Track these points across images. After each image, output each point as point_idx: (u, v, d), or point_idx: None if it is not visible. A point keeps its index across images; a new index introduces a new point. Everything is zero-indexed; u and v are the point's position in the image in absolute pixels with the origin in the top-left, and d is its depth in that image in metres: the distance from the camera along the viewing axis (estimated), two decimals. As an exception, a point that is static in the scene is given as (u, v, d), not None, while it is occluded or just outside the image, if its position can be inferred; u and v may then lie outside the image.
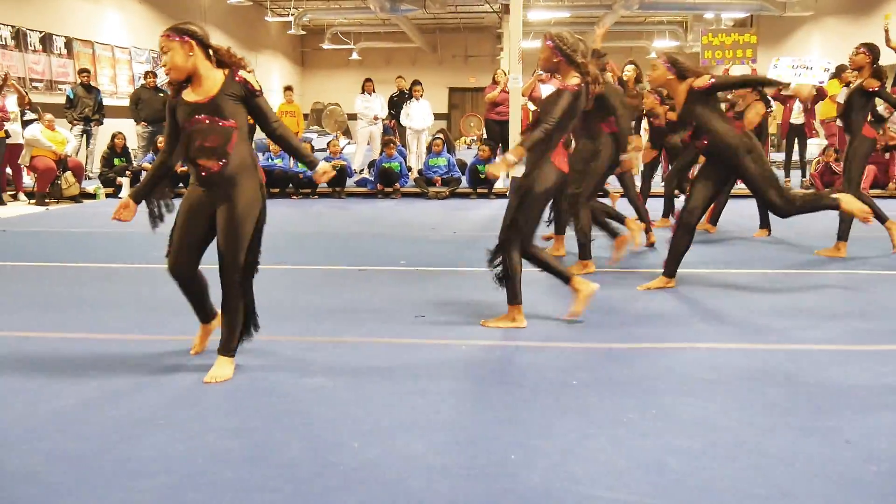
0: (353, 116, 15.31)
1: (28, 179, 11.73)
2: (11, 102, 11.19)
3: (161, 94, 13.37)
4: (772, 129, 12.25)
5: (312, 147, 12.35)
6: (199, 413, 3.20)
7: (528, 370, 3.74)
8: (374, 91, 13.42)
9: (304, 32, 25.53)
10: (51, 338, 4.28)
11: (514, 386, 3.50)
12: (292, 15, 23.63)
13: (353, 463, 2.72)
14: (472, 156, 12.93)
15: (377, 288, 5.53)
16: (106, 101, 13.96)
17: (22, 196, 11.38)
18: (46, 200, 10.87)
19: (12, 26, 14.76)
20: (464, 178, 11.77)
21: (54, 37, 16.06)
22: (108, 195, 11.75)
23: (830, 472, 2.66)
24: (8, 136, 10.72)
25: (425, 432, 2.98)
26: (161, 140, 11.80)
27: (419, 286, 5.55)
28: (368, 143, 13.48)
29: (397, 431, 3.00)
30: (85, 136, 13.16)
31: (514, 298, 4.40)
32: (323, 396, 3.38)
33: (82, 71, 13.55)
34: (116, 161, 12.10)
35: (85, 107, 13.02)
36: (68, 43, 16.56)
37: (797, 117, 11.88)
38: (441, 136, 12.86)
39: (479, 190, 11.47)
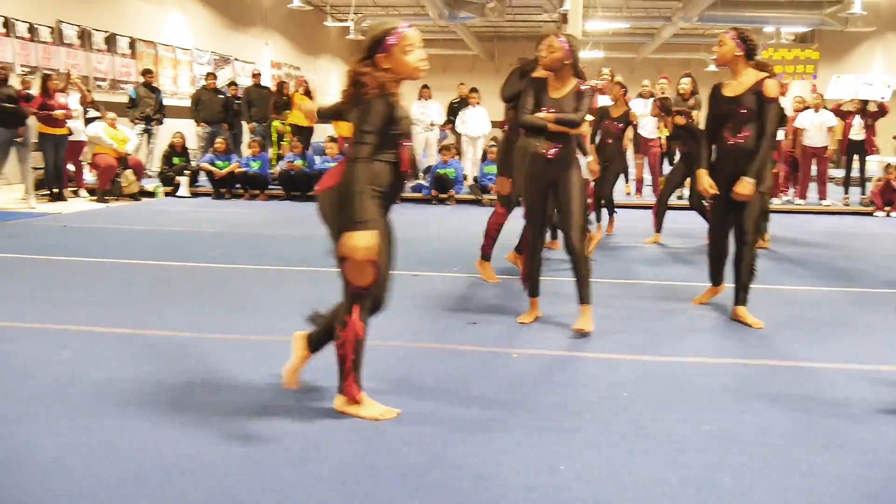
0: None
1: (89, 176, 12.04)
2: (74, 100, 11.49)
3: (220, 96, 13.63)
4: (832, 145, 11.98)
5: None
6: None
7: (580, 381, 3.71)
8: (430, 97, 13.49)
9: (362, 37, 25.78)
10: (116, 333, 4.37)
11: (564, 396, 3.48)
12: (351, 20, 23.87)
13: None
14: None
15: (429, 293, 5.54)
16: (166, 102, 14.25)
17: (83, 192, 11.67)
18: (106, 197, 11.14)
19: (78, 26, 15.17)
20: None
21: (118, 37, 16.47)
22: (166, 194, 11.99)
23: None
24: (71, 133, 11.01)
25: (468, 441, 2.99)
26: (220, 141, 12.02)
27: (471, 292, 5.56)
28: (424, 149, 13.54)
29: (442, 442, 3.01)
30: (146, 134, 13.46)
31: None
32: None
33: (145, 71, 13.87)
34: (175, 160, 12.35)
35: (146, 106, 13.32)
36: (132, 43, 16.95)
37: (857, 133, 11.62)
38: (496, 143, 12.85)
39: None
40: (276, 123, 13.21)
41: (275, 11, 23.57)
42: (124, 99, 14.22)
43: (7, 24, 13.46)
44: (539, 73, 4.81)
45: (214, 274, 6.13)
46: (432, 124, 13.38)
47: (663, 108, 8.34)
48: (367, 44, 3.05)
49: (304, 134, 13.14)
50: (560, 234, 5.97)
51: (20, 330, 4.37)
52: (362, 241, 2.92)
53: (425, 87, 13.68)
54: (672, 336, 4.57)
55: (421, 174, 13.06)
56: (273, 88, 14.34)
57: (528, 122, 4.57)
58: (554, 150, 4.54)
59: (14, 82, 11.10)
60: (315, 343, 3.33)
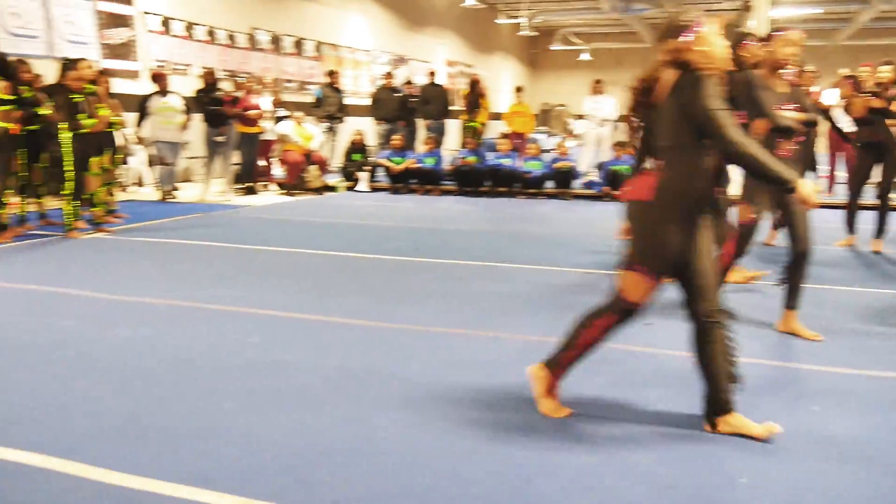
0: (581, 117, 15.26)
1: (278, 171, 12.77)
2: (267, 102, 12.24)
3: (397, 95, 14.04)
4: None
5: (540, 148, 12.41)
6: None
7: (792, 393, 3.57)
8: (603, 92, 13.30)
9: (535, 34, 25.76)
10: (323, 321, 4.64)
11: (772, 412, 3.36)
12: (524, 17, 23.91)
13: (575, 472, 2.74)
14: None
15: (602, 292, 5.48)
16: (348, 101, 14.87)
17: (272, 186, 12.42)
18: (293, 191, 11.79)
19: (270, 32, 16.13)
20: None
21: (305, 41, 17.35)
22: (347, 189, 12.52)
23: None
24: (263, 131, 11.73)
25: (639, 444, 2.95)
26: (397, 138, 12.40)
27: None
28: (597, 146, 13.37)
29: (614, 442, 2.99)
30: (330, 132, 14.11)
31: None
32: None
33: (330, 72, 14.53)
34: (356, 157, 12.87)
35: (330, 106, 13.96)
36: (317, 46, 17.81)
37: None
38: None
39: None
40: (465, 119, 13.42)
41: (449, 11, 23.99)
42: (310, 99, 14.97)
43: (211, 32, 14.54)
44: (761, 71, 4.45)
45: (390, 265, 6.35)
46: (605, 120, 13.20)
47: (856, 87, 7.66)
48: (672, 29, 2.89)
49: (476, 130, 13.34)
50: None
51: (217, 312, 4.73)
52: (640, 284, 2.93)
53: (598, 81, 13.49)
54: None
55: (594, 169, 12.91)
56: (447, 86, 14.63)
57: (784, 122, 4.18)
58: (790, 149, 4.30)
59: (226, 86, 11.97)
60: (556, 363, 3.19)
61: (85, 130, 7.40)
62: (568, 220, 9.50)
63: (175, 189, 11.06)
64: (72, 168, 7.38)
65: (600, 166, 12.18)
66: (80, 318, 4.58)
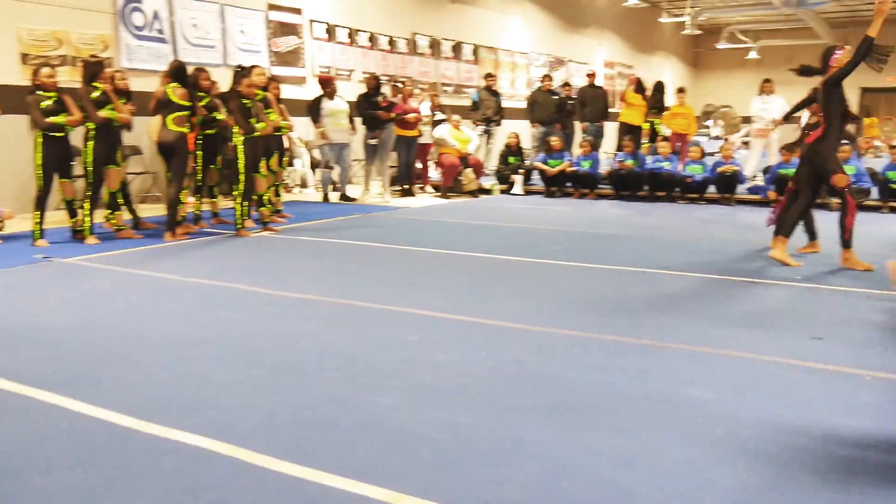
0: (747, 119, 14.65)
1: (434, 174, 13.03)
2: (425, 106, 12.51)
3: (555, 97, 13.99)
4: None
5: (703, 151, 12.00)
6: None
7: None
8: (773, 92, 12.69)
9: (699, 32, 24.97)
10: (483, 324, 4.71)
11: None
12: (688, 15, 23.21)
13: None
14: (882, 164, 11.63)
15: (762, 301, 5.25)
16: (504, 104, 14.96)
17: (429, 189, 12.67)
18: (448, 194, 11.99)
19: (430, 37, 16.46)
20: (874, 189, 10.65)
21: (463, 45, 17.60)
22: (501, 191, 12.59)
23: None
24: (420, 135, 11.99)
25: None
26: (554, 140, 12.34)
27: (809, 303, 5.17)
28: (765, 148, 12.79)
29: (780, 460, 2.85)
30: (486, 135, 14.25)
31: None
32: (703, 407, 3.31)
33: (487, 76, 14.65)
34: (511, 159, 12.92)
35: (487, 108, 14.09)
36: (475, 50, 18.02)
37: None
38: (848, 142, 11.75)
39: (890, 203, 10.33)
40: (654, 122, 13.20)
41: (609, 11, 23.65)
42: (467, 102, 15.18)
43: (372, 38, 15.02)
44: None
45: (545, 269, 6.34)
46: (774, 121, 12.57)
47: None
48: None
49: (634, 133, 13.06)
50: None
51: (376, 311, 4.87)
52: None
53: (767, 80, 12.90)
54: None
55: (759, 175, 12.35)
56: (606, 88, 14.40)
57: None
58: None
59: (387, 91, 12.37)
60: None
61: (256, 134, 7.84)
62: (726, 226, 9.14)
63: (342, 190, 11.44)
64: (243, 170, 7.82)
65: (767, 170, 11.64)
66: (248, 312, 4.85)
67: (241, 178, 7.85)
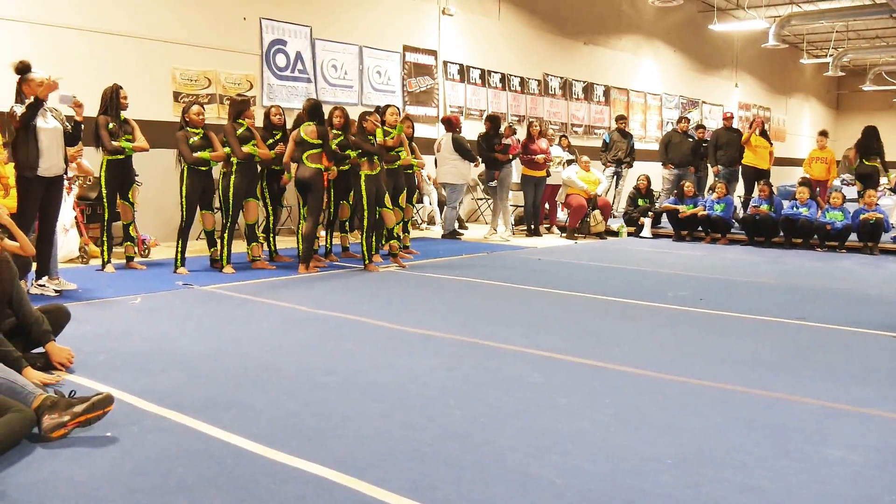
0: (894, 164, 13.88)
1: (561, 215, 12.97)
2: (557, 149, 12.53)
3: (689, 140, 13.69)
4: None
5: (844, 197, 11.42)
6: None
7: None
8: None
9: (842, 74, 23.94)
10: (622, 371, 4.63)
11: None
12: (830, 56, 22.32)
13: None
14: None
15: (914, 358, 4.90)
16: (635, 145, 14.75)
17: (555, 229, 12.61)
18: (575, 235, 11.88)
19: (562, 77, 16.49)
20: None
21: (595, 86, 17.52)
22: (629, 234, 12.38)
23: None
24: (549, 175, 11.96)
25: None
26: (688, 184, 12.05)
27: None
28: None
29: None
30: (615, 177, 14.08)
31: None
32: (841, 468, 3.10)
33: (619, 118, 14.52)
34: (640, 202, 12.70)
35: (618, 150, 13.94)
36: (606, 91, 17.92)
37: None
38: None
39: None
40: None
41: (745, 52, 23.06)
42: (597, 143, 15.07)
43: (504, 79, 15.20)
44: None
45: (672, 315, 6.15)
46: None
47: None
48: None
49: (764, 177, 12.60)
50: None
51: (498, 350, 4.86)
52: None
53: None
54: None
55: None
56: (742, 130, 13.97)
57: None
58: None
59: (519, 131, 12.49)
60: None
61: (376, 171, 7.99)
62: (874, 276, 8.62)
63: (462, 228, 11.62)
64: (366, 205, 8.00)
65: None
66: (372, 345, 4.92)
67: (365, 213, 8.02)
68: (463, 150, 10.95)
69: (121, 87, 7.50)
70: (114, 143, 7.36)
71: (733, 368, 4.54)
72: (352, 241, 9.40)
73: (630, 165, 14.19)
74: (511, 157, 11.34)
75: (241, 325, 5.44)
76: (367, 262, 8.12)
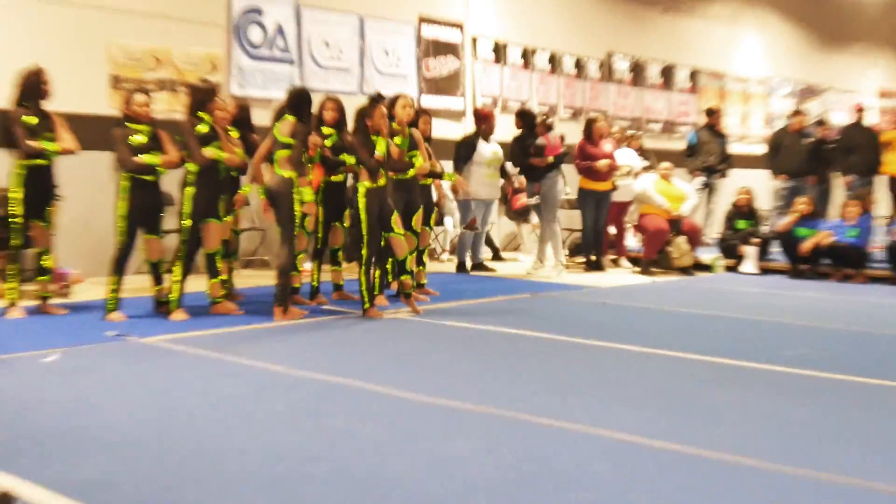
0: None
1: (633, 242, 12.84)
2: (629, 154, 12.45)
3: (807, 140, 13.58)
4: None
5: None
6: None
7: None
8: None
9: None
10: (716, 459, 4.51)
11: None
12: None
13: None
14: None
15: None
16: (732, 148, 14.67)
17: (625, 262, 12.52)
18: (652, 269, 11.78)
19: (632, 57, 16.48)
20: None
21: (677, 68, 17.50)
22: (727, 268, 12.27)
23: None
24: (615, 189, 11.89)
25: None
26: (803, 201, 11.93)
27: None
28: None
29: None
30: (706, 190, 13.98)
31: None
32: None
33: (711, 111, 14.42)
34: (740, 224, 12.58)
35: (709, 154, 13.86)
36: (693, 75, 17.89)
37: None
38: None
39: None
40: None
41: (886, 20, 22.93)
42: (681, 145, 15.00)
43: (553, 59, 15.18)
44: None
45: (790, 382, 6.05)
46: None
47: None
48: None
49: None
50: None
51: (547, 428, 4.75)
52: None
53: None
54: None
55: None
56: (878, 128, 13.87)
57: None
58: None
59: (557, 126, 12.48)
60: None
61: (380, 183, 7.98)
62: None
63: (496, 259, 11.57)
64: (366, 229, 8.00)
65: None
66: (373, 421, 4.84)
67: (365, 238, 8.02)
68: (458, 150, 11.35)
69: (43, 70, 7.53)
70: (32, 143, 7.38)
71: (890, 461, 4.39)
72: (347, 276, 9.34)
73: (724, 175, 14.11)
74: (552, 161, 11.23)
75: (193, 393, 5.38)
76: (367, 304, 8.09)
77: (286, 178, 7.75)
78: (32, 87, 7.47)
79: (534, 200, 11.56)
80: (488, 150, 11.21)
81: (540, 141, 11.24)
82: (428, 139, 9.35)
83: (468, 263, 11.55)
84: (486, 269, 11.61)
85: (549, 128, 11.60)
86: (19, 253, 7.61)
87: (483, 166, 11.17)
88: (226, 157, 7.77)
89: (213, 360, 6.22)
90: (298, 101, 7.88)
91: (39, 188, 7.52)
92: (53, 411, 4.90)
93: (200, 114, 7.76)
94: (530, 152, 11.20)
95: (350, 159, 8.34)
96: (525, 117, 11.65)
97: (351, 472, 4.04)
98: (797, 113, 14.03)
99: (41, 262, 7.79)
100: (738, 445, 4.53)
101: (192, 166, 7.66)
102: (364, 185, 7.92)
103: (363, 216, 7.93)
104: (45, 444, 4.32)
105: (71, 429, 4.59)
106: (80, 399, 5.18)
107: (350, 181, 8.78)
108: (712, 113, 14.37)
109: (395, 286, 8.99)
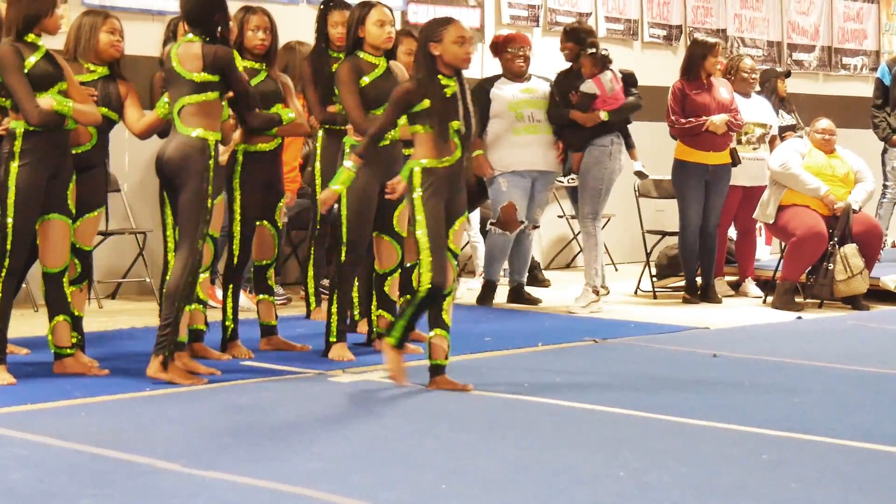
0: None
1: (766, 252, 12.87)
2: (759, 105, 12.52)
3: None
4: None
5: None
6: None
7: None
8: None
9: None
10: None
11: None
12: None
13: None
14: None
15: None
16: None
17: (751, 287, 12.63)
18: (799, 301, 11.82)
19: None
20: None
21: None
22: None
23: None
24: (737, 162, 11.92)
25: None
26: None
27: None
28: None
29: None
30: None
31: None
32: None
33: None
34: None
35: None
36: None
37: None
38: None
39: None
40: None
41: None
42: (846, 90, 15.05)
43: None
44: None
45: None
46: None
47: None
48: None
49: None
50: None
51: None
52: None
53: None
54: None
55: None
56: None
57: None
58: None
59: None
60: None
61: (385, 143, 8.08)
62: None
63: (539, 283, 11.55)
64: (346, 228, 8.34)
65: None
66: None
67: (344, 244, 8.35)
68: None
69: None
70: None
71: None
72: (283, 311, 9.38)
73: None
74: (605, 118, 11.19)
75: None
76: (312, 306, 8.86)
77: (199, 142, 7.84)
78: None
79: (567, 182, 11.46)
80: (511, 91, 11.19)
81: (588, 86, 11.18)
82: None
83: (500, 285, 11.52)
84: (526, 298, 11.66)
85: (603, 63, 11.50)
86: None
87: (509, 119, 11.15)
88: (71, 110, 7.76)
89: (51, 451, 6.19)
90: (205, 10, 7.88)
91: None
92: None
93: (29, 38, 7.76)
94: (572, 102, 11.13)
95: (288, 113, 8.35)
96: (576, 38, 11.63)
97: None
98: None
99: None
100: None
101: (19, 126, 7.67)
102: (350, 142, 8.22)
103: (344, 204, 8.21)
104: None
105: None
106: None
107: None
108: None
109: (362, 327, 9.12)
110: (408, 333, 7.62)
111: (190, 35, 7.84)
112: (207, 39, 7.81)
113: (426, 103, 7.24)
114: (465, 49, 7.46)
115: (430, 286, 7.39)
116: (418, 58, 7.55)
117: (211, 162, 7.77)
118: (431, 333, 7.69)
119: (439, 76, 7.35)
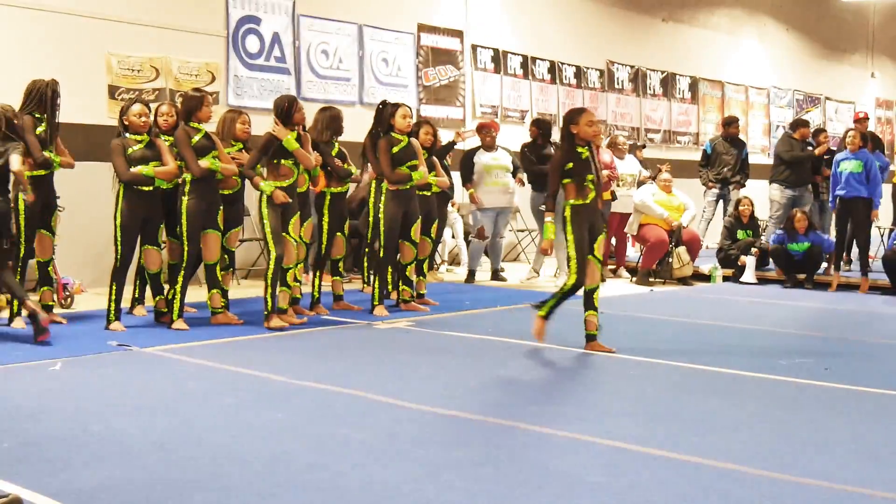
0: None
1: (633, 251, 12.89)
2: (630, 163, 12.53)
3: (810, 148, 13.53)
4: None
5: None
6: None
7: None
8: None
9: None
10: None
11: None
12: None
13: None
14: None
15: None
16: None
17: (623, 272, 12.57)
18: (651, 280, 11.82)
19: (632, 66, 16.55)
20: None
21: (678, 77, 17.58)
22: (725, 278, 12.30)
23: None
24: (614, 198, 11.86)
25: None
26: (800, 216, 11.95)
27: None
28: None
29: None
30: (719, 202, 13.90)
31: None
32: None
33: (729, 120, 14.22)
34: (740, 234, 12.60)
35: (724, 165, 13.71)
36: (693, 84, 17.96)
37: None
38: None
39: None
40: None
41: (885, 30, 23.00)
42: (679, 155, 15.08)
43: (553, 68, 15.26)
44: None
45: (787, 391, 6.10)
46: None
47: None
48: None
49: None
50: None
51: (548, 438, 4.82)
52: None
53: None
54: None
55: None
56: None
57: None
58: None
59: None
60: None
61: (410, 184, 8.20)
62: None
63: (494, 266, 11.67)
64: (384, 236, 8.57)
65: None
66: (375, 429, 4.90)
67: (382, 247, 8.63)
68: (462, 165, 11.51)
69: (57, 83, 7.65)
70: (45, 154, 7.47)
71: (882, 466, 4.47)
72: (347, 287, 9.45)
73: (742, 185, 13.85)
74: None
75: (196, 402, 5.44)
76: (375, 302, 8.69)
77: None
78: (45, 98, 7.56)
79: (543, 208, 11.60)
80: (485, 158, 11.30)
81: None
82: (431, 148, 9.39)
83: (477, 272, 11.63)
84: (501, 278, 11.71)
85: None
86: (25, 264, 7.67)
87: (483, 175, 11.24)
88: (222, 167, 7.81)
89: (213, 370, 6.26)
90: (285, 111, 7.93)
91: (41, 198, 7.53)
92: (56, 420, 4.95)
93: (193, 123, 7.79)
94: (544, 160, 11.27)
95: (354, 169, 8.73)
96: (541, 126, 11.76)
97: (355, 480, 4.10)
98: (799, 124, 13.86)
99: (44, 272, 7.87)
100: (735, 454, 4.57)
101: (189, 176, 7.71)
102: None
103: (383, 220, 8.60)
104: (48, 453, 4.37)
105: (75, 438, 4.64)
106: (82, 408, 5.22)
107: (352, 191, 8.98)
108: (729, 123, 14.15)
109: (394, 296, 9.19)
110: (552, 312, 7.27)
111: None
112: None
113: (570, 165, 7.07)
114: (594, 129, 7.29)
115: (574, 282, 7.18)
116: (563, 134, 7.39)
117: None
118: (586, 313, 7.32)
119: (577, 147, 7.17)
